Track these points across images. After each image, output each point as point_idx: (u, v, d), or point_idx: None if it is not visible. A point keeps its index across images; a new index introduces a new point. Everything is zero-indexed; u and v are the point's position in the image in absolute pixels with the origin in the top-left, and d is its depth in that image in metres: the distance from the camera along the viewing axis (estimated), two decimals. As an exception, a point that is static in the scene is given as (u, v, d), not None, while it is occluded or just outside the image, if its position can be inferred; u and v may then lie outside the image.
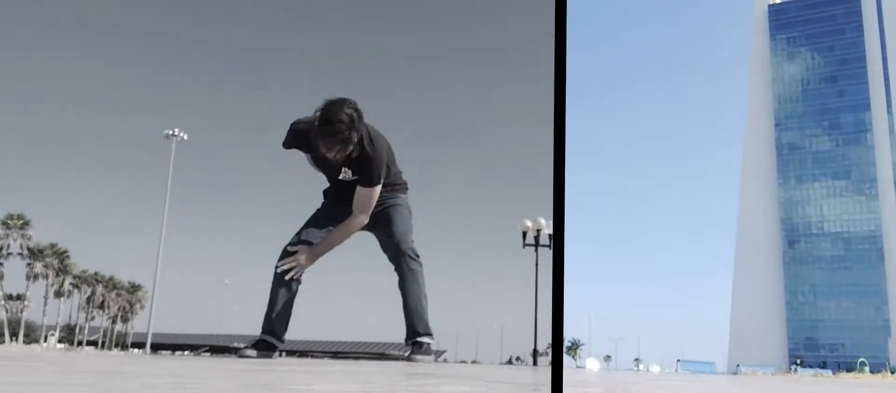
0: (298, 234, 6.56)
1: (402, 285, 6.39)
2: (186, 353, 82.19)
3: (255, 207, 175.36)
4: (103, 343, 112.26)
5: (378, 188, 6.32)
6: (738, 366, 60.90)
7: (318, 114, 5.78)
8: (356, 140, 5.85)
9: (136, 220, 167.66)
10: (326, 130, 5.71)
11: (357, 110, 5.82)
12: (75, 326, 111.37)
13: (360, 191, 6.32)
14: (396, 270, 6.45)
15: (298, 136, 6.20)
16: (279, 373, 2.90)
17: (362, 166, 6.21)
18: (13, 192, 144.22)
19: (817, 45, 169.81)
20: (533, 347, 32.34)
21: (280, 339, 6.22)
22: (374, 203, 6.37)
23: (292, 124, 6.24)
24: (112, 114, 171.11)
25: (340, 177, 6.35)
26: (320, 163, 6.38)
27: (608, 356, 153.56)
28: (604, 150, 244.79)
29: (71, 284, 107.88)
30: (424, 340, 6.18)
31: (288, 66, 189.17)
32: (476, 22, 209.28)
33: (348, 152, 5.90)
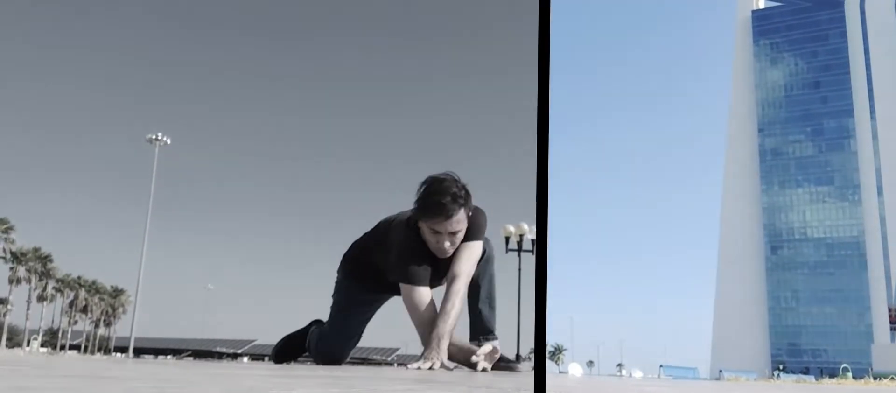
0: None
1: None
2: (169, 357, 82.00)
3: (237, 211, 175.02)
4: (86, 347, 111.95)
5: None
6: (720, 371, 61.07)
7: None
8: (463, 214, 5.08)
9: (119, 224, 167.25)
10: (427, 198, 5.04)
11: (464, 187, 5.14)
12: (58, 330, 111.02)
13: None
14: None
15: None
16: (262, 377, 2.89)
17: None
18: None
19: (801, 51, 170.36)
20: (515, 353, 32.37)
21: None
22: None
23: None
24: (95, 117, 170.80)
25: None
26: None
27: (591, 362, 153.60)
28: (587, 156, 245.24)
29: (54, 288, 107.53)
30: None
31: (273, 73, 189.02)
32: (460, 33, 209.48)
33: (453, 229, 5.07)
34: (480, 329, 5.43)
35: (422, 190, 5.04)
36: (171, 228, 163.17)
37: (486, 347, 4.98)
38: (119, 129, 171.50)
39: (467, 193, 5.09)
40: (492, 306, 5.48)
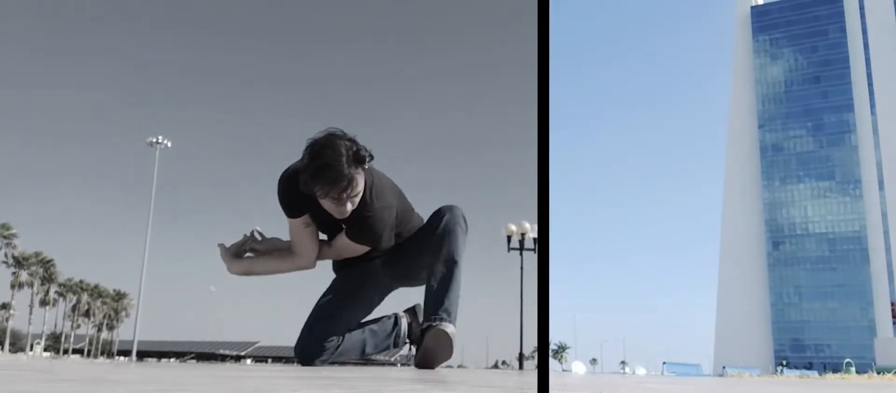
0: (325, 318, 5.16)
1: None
2: (172, 360, 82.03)
3: (240, 212, 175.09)
4: (89, 351, 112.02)
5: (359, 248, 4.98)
6: (724, 368, 60.78)
7: (306, 153, 4.51)
8: (359, 179, 4.56)
9: (121, 227, 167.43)
10: (317, 166, 4.43)
11: (355, 143, 4.54)
12: (61, 334, 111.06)
13: (343, 240, 4.98)
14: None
15: (293, 192, 4.71)
16: (265, 379, 2.89)
17: (360, 222, 4.84)
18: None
19: (800, 47, 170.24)
20: (519, 351, 32.36)
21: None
22: (346, 254, 5.09)
23: (283, 177, 4.80)
24: (96, 121, 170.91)
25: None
26: (322, 224, 4.98)
27: (594, 359, 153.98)
28: (588, 153, 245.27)
29: (56, 292, 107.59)
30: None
31: (274, 74, 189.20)
32: (461, 33, 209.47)
33: (354, 192, 4.57)
34: (432, 308, 4.99)
35: (307, 155, 4.51)
36: (172, 231, 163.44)
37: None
38: (120, 133, 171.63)
39: (360, 148, 4.57)
40: (446, 287, 4.97)
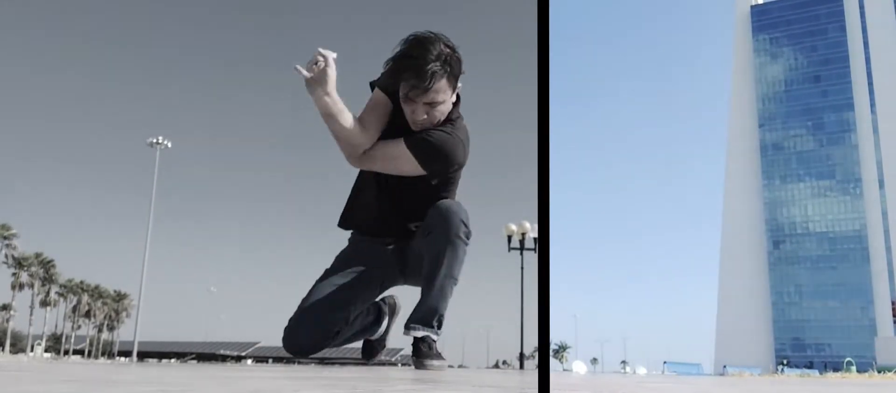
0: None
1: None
2: (173, 360, 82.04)
3: (240, 214, 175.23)
4: (90, 352, 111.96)
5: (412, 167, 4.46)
6: (724, 367, 60.78)
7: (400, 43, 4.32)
8: (443, 89, 4.33)
9: (122, 228, 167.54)
10: (402, 54, 4.27)
11: (454, 51, 4.36)
12: (61, 335, 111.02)
13: (398, 146, 4.48)
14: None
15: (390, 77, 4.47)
16: (266, 380, 2.89)
17: (426, 134, 4.45)
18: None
19: (800, 46, 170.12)
20: (519, 351, 32.35)
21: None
22: (390, 165, 4.54)
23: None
24: (96, 122, 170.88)
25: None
26: (394, 127, 4.57)
27: (595, 359, 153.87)
28: (589, 153, 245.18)
29: (57, 293, 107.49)
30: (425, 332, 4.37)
31: (272, 74, 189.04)
32: (459, 24, 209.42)
33: (431, 99, 4.31)
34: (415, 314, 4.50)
35: (399, 48, 4.32)
36: (173, 231, 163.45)
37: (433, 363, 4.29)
38: (120, 133, 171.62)
39: (456, 59, 4.38)
40: (432, 286, 4.46)
